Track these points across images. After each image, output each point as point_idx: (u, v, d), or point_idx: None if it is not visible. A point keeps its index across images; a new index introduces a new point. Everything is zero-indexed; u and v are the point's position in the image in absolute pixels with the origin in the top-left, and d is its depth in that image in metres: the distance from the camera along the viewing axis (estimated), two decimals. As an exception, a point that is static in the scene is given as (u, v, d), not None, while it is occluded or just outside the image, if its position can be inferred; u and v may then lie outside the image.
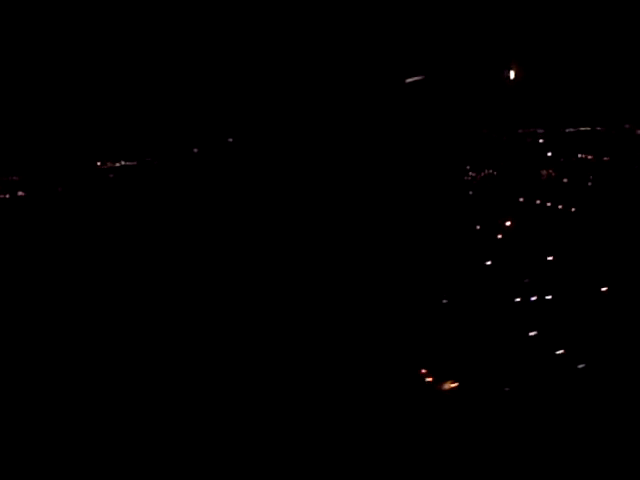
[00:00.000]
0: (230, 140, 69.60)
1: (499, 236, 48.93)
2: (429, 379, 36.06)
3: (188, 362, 39.82)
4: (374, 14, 64.09)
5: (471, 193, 55.64)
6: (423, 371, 36.80)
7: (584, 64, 61.70)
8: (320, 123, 64.19)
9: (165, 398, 36.07)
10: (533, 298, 41.22)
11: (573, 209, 50.71)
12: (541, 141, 61.05)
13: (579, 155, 58.04)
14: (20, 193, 63.44)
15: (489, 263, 45.79)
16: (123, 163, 68.30)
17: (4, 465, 31.74)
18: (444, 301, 42.02)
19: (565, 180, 54.87)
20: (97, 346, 42.72)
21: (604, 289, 41.69)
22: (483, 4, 63.84)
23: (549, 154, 58.48)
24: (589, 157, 57.74)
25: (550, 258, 45.24)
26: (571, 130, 61.46)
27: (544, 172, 57.20)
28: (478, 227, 50.52)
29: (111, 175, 67.14)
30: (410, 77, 65.28)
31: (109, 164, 67.92)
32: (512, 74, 60.36)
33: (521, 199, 53.31)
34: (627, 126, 60.50)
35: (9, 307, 48.98)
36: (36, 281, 52.68)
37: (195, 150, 68.02)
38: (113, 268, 53.49)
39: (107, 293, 49.78)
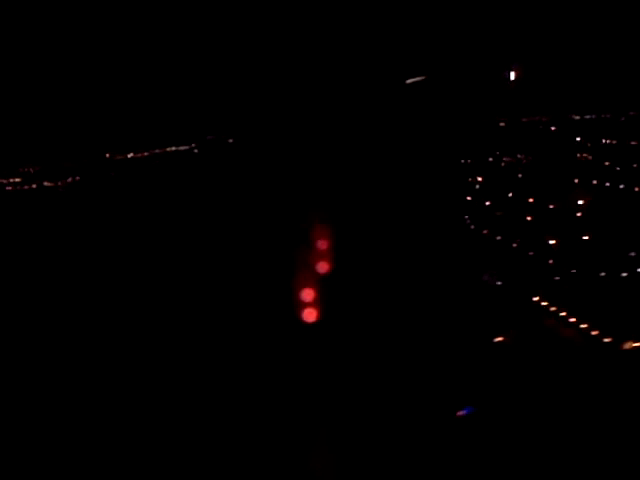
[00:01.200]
0: (230, 141, 69.21)
1: (578, 214, 50.92)
2: (608, 339, 37.42)
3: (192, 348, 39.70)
4: (376, 16, 65.15)
5: (520, 176, 57.55)
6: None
7: (576, 56, 64.61)
8: (323, 124, 64.60)
9: (164, 394, 35.85)
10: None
11: (637, 188, 53.35)
12: (553, 128, 63.77)
13: (604, 140, 61.00)
14: (46, 183, 61.52)
15: (586, 238, 47.62)
16: (132, 155, 66.91)
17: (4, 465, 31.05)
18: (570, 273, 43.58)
19: (607, 163, 57.57)
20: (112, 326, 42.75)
21: None
22: (482, 6, 66.01)
23: (578, 139, 61.20)
24: (614, 142, 60.79)
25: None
26: (577, 117, 64.49)
27: (579, 156, 59.87)
28: (552, 206, 52.37)
29: (120, 166, 65.74)
30: (411, 78, 66.72)
31: (118, 156, 66.47)
32: (512, 75, 62.78)
33: (576, 180, 55.62)
34: (632, 113, 64.03)
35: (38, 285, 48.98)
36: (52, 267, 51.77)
37: (195, 151, 67.36)
38: (115, 257, 52.73)
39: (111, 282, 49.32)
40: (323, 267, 46.09)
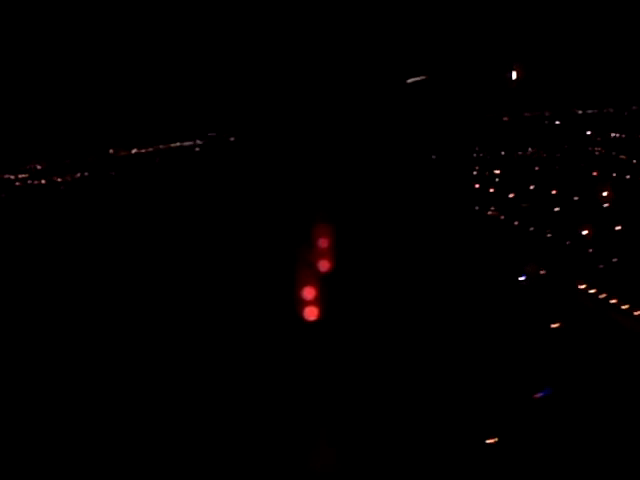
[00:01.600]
0: (232, 139, 68.64)
1: (605, 205, 51.05)
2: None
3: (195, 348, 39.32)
4: (376, 16, 65.07)
5: (537, 169, 57.65)
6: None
7: (576, 52, 65.04)
8: (324, 124, 64.27)
9: (164, 396, 35.54)
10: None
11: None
12: (558, 122, 64.06)
13: (613, 134, 61.39)
14: (57, 179, 60.53)
15: (619, 228, 47.75)
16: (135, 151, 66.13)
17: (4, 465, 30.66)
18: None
19: (622, 157, 57.92)
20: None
21: None
22: (483, 6, 66.14)
23: (588, 133, 61.45)
24: (623, 136, 61.20)
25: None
26: (580, 112, 64.83)
27: (591, 149, 60.19)
28: (576, 198, 52.48)
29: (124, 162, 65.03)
30: (412, 78, 66.67)
31: (122, 152, 65.70)
32: (514, 74, 62.99)
33: (595, 173, 55.85)
34: (634, 107, 64.52)
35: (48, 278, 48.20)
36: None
37: (197, 149, 66.72)
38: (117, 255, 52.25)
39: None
40: (325, 265, 45.53)
